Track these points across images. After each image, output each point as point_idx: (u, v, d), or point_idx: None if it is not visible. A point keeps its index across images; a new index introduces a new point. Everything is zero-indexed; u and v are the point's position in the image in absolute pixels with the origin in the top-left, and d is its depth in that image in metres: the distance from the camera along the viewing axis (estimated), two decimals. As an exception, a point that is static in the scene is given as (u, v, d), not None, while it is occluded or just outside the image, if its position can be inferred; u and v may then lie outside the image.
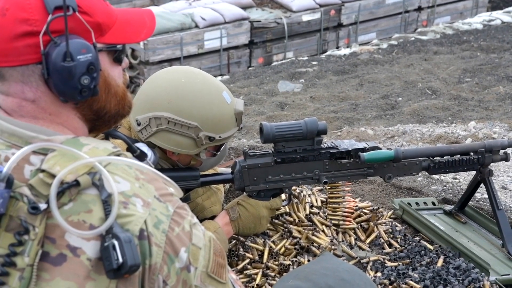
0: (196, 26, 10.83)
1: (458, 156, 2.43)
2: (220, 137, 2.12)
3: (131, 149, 1.33)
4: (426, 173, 2.45)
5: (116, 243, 1.11)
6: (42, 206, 1.12)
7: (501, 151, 2.44)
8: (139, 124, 2.08)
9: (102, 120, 1.31)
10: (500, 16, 12.89)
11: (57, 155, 1.16)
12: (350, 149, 2.32)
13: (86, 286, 1.13)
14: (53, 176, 1.13)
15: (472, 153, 2.43)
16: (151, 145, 2.10)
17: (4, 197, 1.11)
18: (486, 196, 2.96)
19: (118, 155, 1.22)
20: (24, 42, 1.19)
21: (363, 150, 2.31)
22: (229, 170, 2.56)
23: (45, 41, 1.18)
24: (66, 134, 1.23)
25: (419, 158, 2.39)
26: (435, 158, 2.41)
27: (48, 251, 1.13)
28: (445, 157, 2.42)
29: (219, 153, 2.22)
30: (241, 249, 2.32)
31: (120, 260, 1.10)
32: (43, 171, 1.15)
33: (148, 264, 1.16)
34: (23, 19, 1.18)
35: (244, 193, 2.33)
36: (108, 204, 1.14)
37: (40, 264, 1.12)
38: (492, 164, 2.48)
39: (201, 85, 2.11)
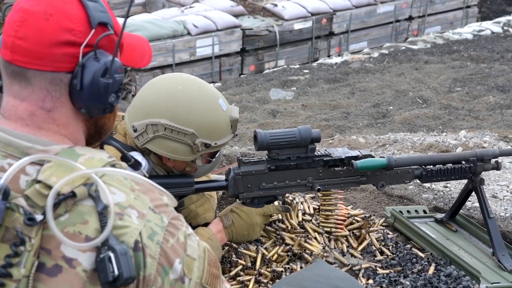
0: (188, 34, 10.85)
1: (450, 164, 2.45)
2: (216, 144, 2.13)
3: (125, 158, 1.34)
4: (418, 181, 2.47)
5: (112, 255, 1.11)
6: (38, 217, 1.12)
7: (493, 160, 2.46)
8: (135, 131, 2.09)
9: (99, 135, 1.33)
10: (489, 27, 13.00)
11: (53, 165, 1.16)
12: (344, 157, 2.33)
13: None
14: (49, 187, 1.13)
15: (464, 162, 2.45)
16: (146, 152, 2.11)
17: (0, 209, 1.11)
18: (476, 204, 2.98)
19: (113, 166, 1.22)
20: (63, 50, 1.20)
21: (356, 158, 2.33)
22: (222, 177, 2.57)
23: (83, 53, 1.20)
24: (63, 144, 1.23)
25: (412, 167, 2.41)
26: (427, 166, 2.43)
27: (43, 262, 1.13)
28: (437, 166, 2.44)
29: (214, 159, 2.22)
30: (234, 256, 2.33)
31: (116, 272, 1.10)
32: (39, 182, 1.14)
33: (142, 276, 1.16)
34: (68, 28, 1.20)
35: (238, 200, 2.34)
36: (104, 216, 1.14)
37: (35, 275, 1.12)
38: (483, 173, 2.50)
39: (197, 92, 2.12)
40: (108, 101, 1.24)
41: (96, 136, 1.33)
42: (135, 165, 1.36)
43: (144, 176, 1.29)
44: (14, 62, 1.22)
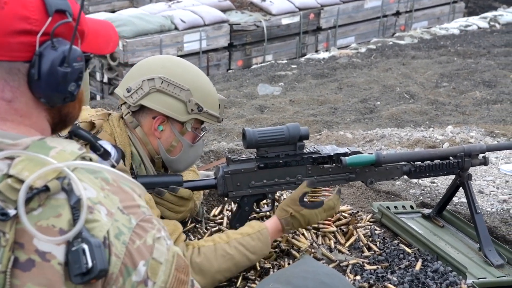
0: (176, 28, 10.82)
1: (438, 160, 2.46)
2: (207, 111, 2.17)
3: (94, 147, 1.33)
4: (405, 177, 2.48)
5: (86, 247, 1.10)
6: (11, 212, 1.10)
7: (480, 155, 2.48)
8: (129, 91, 2.12)
9: (64, 123, 1.32)
10: (476, 22, 13.06)
11: (25, 159, 1.15)
12: (332, 154, 2.34)
13: None
14: (21, 181, 1.12)
15: (451, 158, 2.47)
16: (134, 124, 2.15)
17: None
18: (463, 200, 3.00)
19: (84, 158, 1.21)
20: (19, 39, 1.18)
21: (345, 154, 2.33)
22: (210, 173, 2.56)
23: (40, 42, 1.19)
24: (32, 136, 1.22)
25: (400, 163, 2.42)
26: (415, 162, 2.44)
27: (17, 257, 1.12)
28: (425, 162, 2.45)
29: (197, 143, 2.22)
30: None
31: (90, 264, 1.10)
32: (10, 176, 1.13)
33: None
34: (23, 16, 1.18)
35: (227, 198, 2.34)
36: (77, 209, 1.13)
37: (11, 270, 1.11)
38: (470, 168, 2.52)
39: (191, 63, 2.25)
40: (68, 90, 1.22)
41: (61, 125, 1.31)
42: (104, 155, 1.35)
43: (113, 166, 1.28)
44: None
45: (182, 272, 1.25)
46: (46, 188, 1.13)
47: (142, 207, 1.23)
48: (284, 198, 2.60)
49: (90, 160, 1.23)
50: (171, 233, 2.03)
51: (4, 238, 1.11)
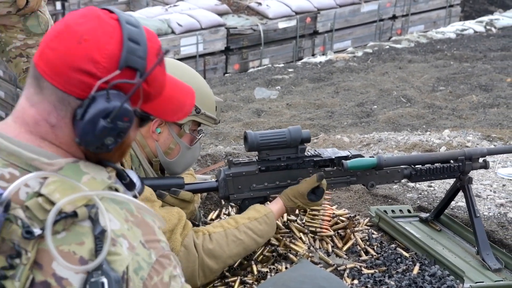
0: (173, 32, 10.81)
1: (439, 164, 2.46)
2: (205, 112, 2.18)
3: (121, 176, 1.32)
4: (404, 181, 2.48)
5: (105, 281, 1.11)
6: (37, 231, 1.11)
7: (481, 159, 2.48)
8: None
9: (100, 163, 1.30)
10: (472, 26, 13.09)
11: (57, 181, 1.16)
12: (334, 157, 2.34)
13: None
14: (52, 202, 1.13)
15: (452, 161, 2.47)
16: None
17: (0, 221, 1.10)
18: (460, 204, 3.00)
19: (111, 188, 1.23)
20: (81, 77, 1.19)
21: (346, 158, 2.34)
22: (207, 176, 2.56)
23: (98, 88, 1.19)
24: (66, 158, 1.23)
25: (401, 166, 2.42)
26: (416, 166, 2.45)
27: (34, 277, 1.12)
28: (426, 165, 2.45)
29: (194, 145, 2.22)
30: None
31: None
32: (41, 195, 1.14)
33: None
34: (94, 59, 1.19)
35: (228, 201, 2.35)
36: (100, 240, 1.14)
37: None
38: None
39: (188, 66, 2.26)
40: (104, 142, 1.21)
41: (96, 163, 1.30)
42: (130, 185, 1.34)
43: (135, 196, 1.29)
44: (36, 67, 1.22)
45: None
46: (74, 214, 1.14)
47: (162, 242, 1.24)
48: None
49: (117, 190, 1.24)
50: (175, 224, 2.04)
51: (26, 256, 1.11)
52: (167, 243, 1.26)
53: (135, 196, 1.30)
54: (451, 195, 2.62)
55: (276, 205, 2.26)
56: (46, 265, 1.12)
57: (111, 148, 1.23)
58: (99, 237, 1.14)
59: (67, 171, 1.19)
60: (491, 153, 2.55)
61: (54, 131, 1.22)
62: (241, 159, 2.30)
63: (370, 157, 2.38)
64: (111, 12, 1.25)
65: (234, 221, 2.16)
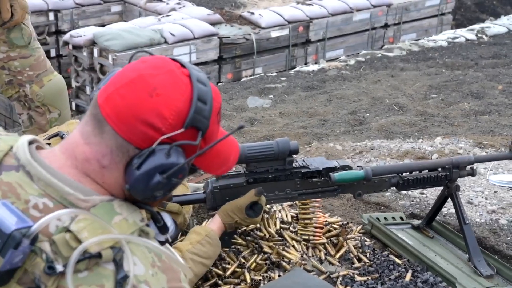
0: (165, 42, 10.82)
1: (426, 171, 2.48)
2: None
3: (155, 218, 1.32)
4: (395, 188, 2.49)
5: None
6: (59, 268, 1.12)
7: (468, 167, 2.50)
8: None
9: (136, 204, 1.30)
10: (464, 34, 13.15)
11: (88, 219, 1.16)
12: (321, 169, 2.35)
13: None
14: (79, 241, 1.13)
15: (440, 169, 2.48)
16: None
17: (25, 253, 1.10)
18: (452, 211, 3.01)
19: (142, 231, 1.23)
20: (145, 129, 1.20)
21: (334, 169, 2.34)
22: (199, 185, 2.56)
23: (161, 141, 1.21)
24: (103, 196, 1.23)
25: (389, 175, 2.44)
26: (404, 174, 2.46)
27: None
28: (413, 174, 2.47)
29: None
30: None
31: None
32: (69, 231, 1.14)
33: None
34: (162, 115, 1.20)
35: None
36: (121, 285, 1.14)
37: None
38: (458, 178, 2.53)
39: None
40: (153, 194, 1.23)
41: (132, 203, 1.31)
42: (163, 229, 1.34)
43: (168, 241, 1.30)
44: (101, 109, 1.22)
45: None
46: (98, 255, 1.14)
47: None
48: (274, 211, 2.60)
49: (148, 233, 1.24)
50: None
51: None
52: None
53: (167, 240, 1.30)
54: (440, 202, 2.64)
55: (215, 224, 2.23)
56: None
57: (158, 199, 1.26)
58: (121, 282, 1.14)
59: (100, 210, 1.19)
60: (479, 161, 2.57)
61: (103, 171, 1.24)
62: (228, 171, 2.30)
63: (358, 166, 2.39)
64: (182, 66, 1.27)
65: (178, 250, 2.12)
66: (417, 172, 2.47)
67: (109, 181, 1.24)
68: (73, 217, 1.16)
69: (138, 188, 1.22)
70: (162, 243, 1.31)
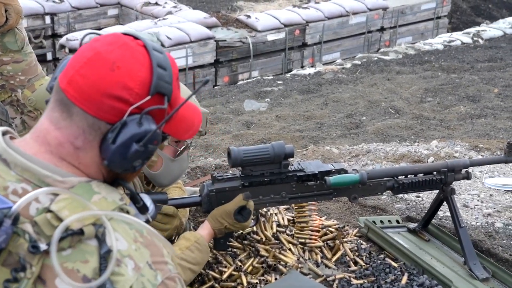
0: (162, 45, 10.83)
1: (422, 175, 2.48)
2: None
3: (134, 199, 1.34)
4: (391, 192, 2.50)
5: None
6: (43, 246, 1.13)
7: (463, 170, 2.50)
8: None
9: (115, 184, 1.33)
10: (460, 37, 13.20)
11: (68, 198, 1.18)
12: (317, 172, 2.35)
13: None
14: (60, 219, 1.14)
15: (435, 173, 2.49)
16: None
17: (7, 234, 1.12)
18: (448, 214, 3.02)
19: (122, 209, 1.25)
20: (113, 103, 1.22)
21: (329, 172, 2.35)
22: (196, 189, 2.57)
23: (130, 113, 1.22)
24: (81, 178, 1.25)
25: (384, 179, 2.44)
26: (399, 178, 2.46)
27: None
28: (409, 177, 2.47)
29: (179, 157, 2.22)
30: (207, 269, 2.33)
31: None
32: (50, 211, 1.15)
33: None
34: (127, 86, 1.22)
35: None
36: (105, 260, 1.15)
37: None
38: (454, 182, 2.54)
39: None
40: (132, 164, 1.25)
41: (111, 184, 1.32)
42: (143, 209, 1.35)
43: (148, 221, 1.31)
44: (65, 93, 1.24)
45: None
46: (81, 232, 1.15)
47: (169, 264, 1.25)
48: (270, 214, 2.60)
49: (128, 212, 1.26)
50: None
51: (30, 270, 1.12)
52: (174, 265, 1.26)
53: (147, 220, 1.31)
54: (435, 206, 2.64)
55: (205, 230, 2.23)
56: (50, 282, 1.14)
57: (137, 169, 1.28)
58: (104, 256, 1.15)
59: (79, 190, 1.20)
60: (474, 164, 2.57)
61: (78, 153, 1.25)
62: (224, 175, 2.31)
63: (353, 170, 2.39)
64: (135, 38, 1.29)
65: None
66: (413, 175, 2.48)
67: (85, 161, 1.26)
68: (52, 198, 1.18)
69: (117, 161, 1.24)
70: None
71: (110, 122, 1.23)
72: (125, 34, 1.30)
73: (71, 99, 1.23)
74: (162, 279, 1.21)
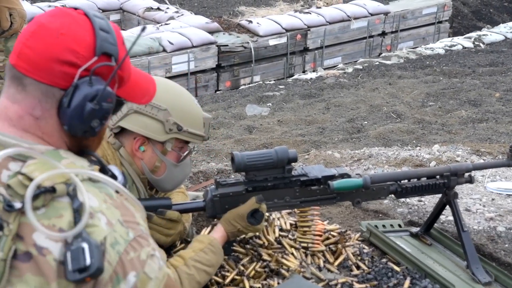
0: (164, 50, 10.86)
1: (425, 179, 2.48)
2: (188, 130, 2.16)
3: (103, 169, 1.39)
4: (393, 196, 2.50)
5: (86, 246, 1.17)
6: (17, 205, 1.18)
7: (466, 174, 2.51)
8: None
9: (81, 153, 1.38)
10: (461, 42, 13.22)
11: (38, 162, 1.23)
12: (320, 177, 2.36)
13: (52, 286, 1.18)
14: (31, 180, 1.19)
15: (438, 177, 2.49)
16: (117, 145, 2.16)
17: None
18: (450, 218, 3.02)
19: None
20: (63, 68, 1.27)
21: (333, 177, 2.35)
22: (199, 194, 2.57)
23: (80, 75, 1.28)
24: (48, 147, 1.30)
25: (387, 183, 2.44)
26: (402, 182, 2.47)
27: (17, 248, 1.19)
28: (412, 181, 2.48)
29: (182, 162, 2.23)
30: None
31: (88, 261, 1.16)
32: (22, 174, 1.21)
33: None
34: (73, 50, 1.28)
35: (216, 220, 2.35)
36: (79, 214, 1.20)
37: (11, 261, 1.18)
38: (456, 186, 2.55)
39: (174, 83, 2.26)
40: (90, 124, 1.30)
41: (77, 154, 1.37)
42: (112, 178, 1.39)
43: (117, 191, 1.34)
44: (16, 67, 1.30)
45: None
46: (52, 189, 1.20)
47: (141, 225, 1.30)
48: (273, 218, 2.61)
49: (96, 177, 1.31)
50: None
51: (8, 228, 1.18)
52: (147, 228, 1.31)
53: (116, 191, 1.35)
54: (438, 210, 2.64)
55: (218, 232, 2.24)
56: (27, 237, 1.18)
57: (97, 131, 1.33)
58: (78, 210, 1.20)
59: (47, 155, 1.26)
60: (477, 168, 2.57)
61: (38, 123, 1.30)
62: (228, 180, 2.31)
63: (356, 174, 2.40)
64: (76, 9, 1.36)
65: (181, 258, 2.13)
66: (416, 179, 2.48)
67: (47, 130, 1.31)
68: (22, 165, 1.22)
69: (75, 123, 1.29)
70: None
71: (63, 88, 1.28)
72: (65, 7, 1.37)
73: (22, 72, 1.29)
74: (134, 236, 1.25)
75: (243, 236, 2.46)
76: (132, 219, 1.28)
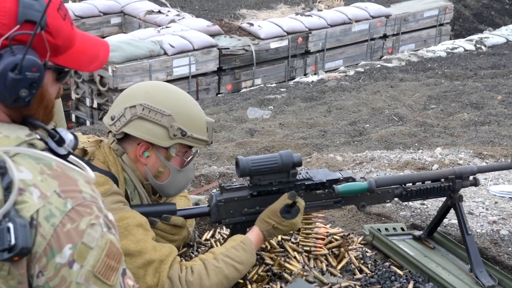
0: (165, 53, 10.86)
1: (430, 182, 2.48)
2: (192, 135, 2.15)
3: (50, 134, 1.35)
4: (396, 199, 2.49)
5: (11, 225, 1.16)
6: None
7: (471, 177, 2.50)
8: (113, 119, 2.12)
9: (30, 124, 1.34)
10: (462, 44, 13.21)
11: None
12: (325, 181, 2.35)
13: None
14: None
15: (443, 180, 2.49)
16: (120, 152, 2.15)
17: None
18: (453, 221, 3.01)
19: (32, 144, 1.28)
20: None
21: (338, 181, 2.34)
22: (201, 197, 2.57)
23: (2, 45, 1.24)
24: None
25: (392, 186, 2.43)
26: (407, 185, 2.46)
27: None
28: (417, 185, 2.47)
29: (186, 167, 2.21)
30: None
31: (13, 241, 1.16)
32: None
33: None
34: None
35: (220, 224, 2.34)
36: (9, 190, 1.19)
37: None
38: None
39: (177, 88, 2.25)
40: (18, 94, 1.26)
41: (25, 124, 1.34)
42: (59, 142, 1.37)
43: (69, 153, 1.33)
44: None
45: (113, 259, 1.28)
46: None
47: (84, 192, 1.27)
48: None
49: (35, 146, 1.28)
50: (167, 255, 2.04)
51: None
52: (93, 195, 1.28)
53: (69, 152, 1.33)
54: (442, 213, 2.63)
55: (252, 232, 2.24)
56: None
57: (28, 100, 1.28)
58: (8, 187, 1.19)
59: None
60: (481, 171, 2.57)
61: None
62: (232, 185, 2.30)
63: (361, 178, 2.39)
64: None
65: (212, 253, 2.14)
66: (420, 183, 2.47)
67: None
68: None
69: (2, 93, 1.26)
70: (65, 156, 1.34)
71: None
72: None
73: None
74: (72, 206, 1.23)
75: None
76: (74, 187, 1.26)
